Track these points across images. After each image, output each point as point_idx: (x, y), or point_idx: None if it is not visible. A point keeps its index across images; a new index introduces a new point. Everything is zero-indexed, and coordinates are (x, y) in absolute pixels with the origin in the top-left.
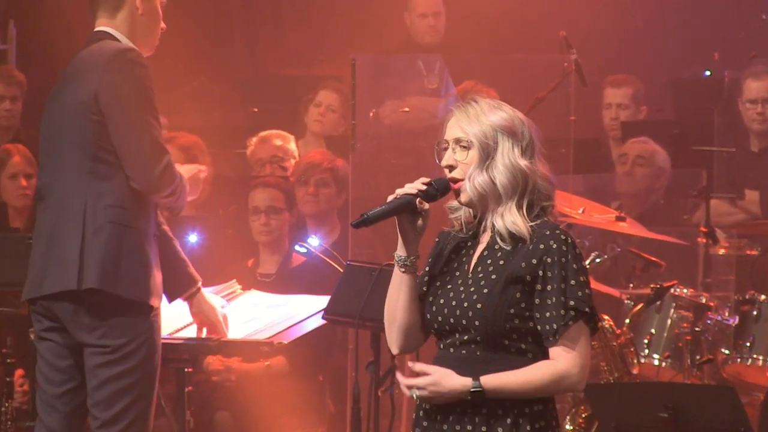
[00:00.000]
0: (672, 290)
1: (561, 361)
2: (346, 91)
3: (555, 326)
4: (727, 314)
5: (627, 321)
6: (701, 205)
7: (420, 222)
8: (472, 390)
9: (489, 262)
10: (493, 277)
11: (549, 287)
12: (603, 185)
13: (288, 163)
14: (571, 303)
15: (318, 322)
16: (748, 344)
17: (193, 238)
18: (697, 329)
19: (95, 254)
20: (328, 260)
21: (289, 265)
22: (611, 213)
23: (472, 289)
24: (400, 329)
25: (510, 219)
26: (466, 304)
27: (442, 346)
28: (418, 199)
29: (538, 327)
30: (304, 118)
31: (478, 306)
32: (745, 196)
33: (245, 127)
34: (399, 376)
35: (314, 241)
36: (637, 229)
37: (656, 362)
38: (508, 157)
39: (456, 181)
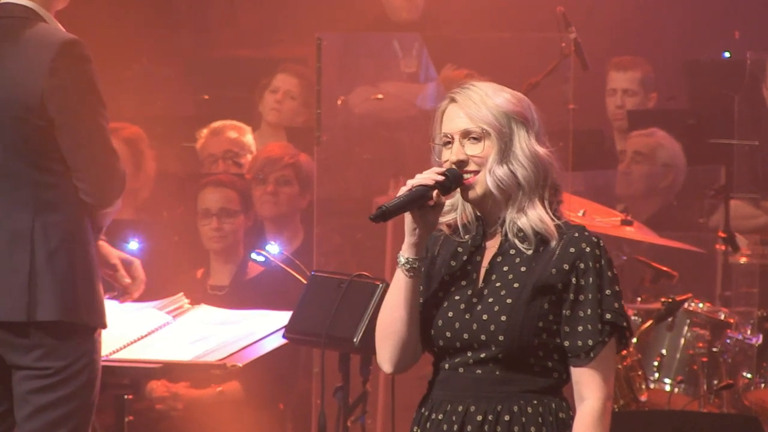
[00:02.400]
0: (686, 305)
1: (592, 398)
2: (309, 75)
3: (590, 342)
4: (749, 332)
5: (634, 340)
6: (720, 207)
7: (431, 217)
8: None
9: (506, 269)
10: (516, 285)
11: (582, 297)
12: (606, 184)
13: (244, 159)
14: (608, 316)
15: (278, 341)
16: None
17: (133, 245)
18: (714, 350)
19: (53, 283)
20: (289, 270)
21: (245, 276)
22: (616, 216)
23: (490, 300)
24: (398, 345)
25: (535, 216)
26: (485, 317)
27: (447, 366)
28: (435, 192)
29: (566, 342)
30: (258, 107)
31: (502, 319)
32: None
33: (194, 117)
34: None
35: (274, 249)
36: (645, 234)
37: (668, 388)
38: (525, 145)
39: (469, 175)
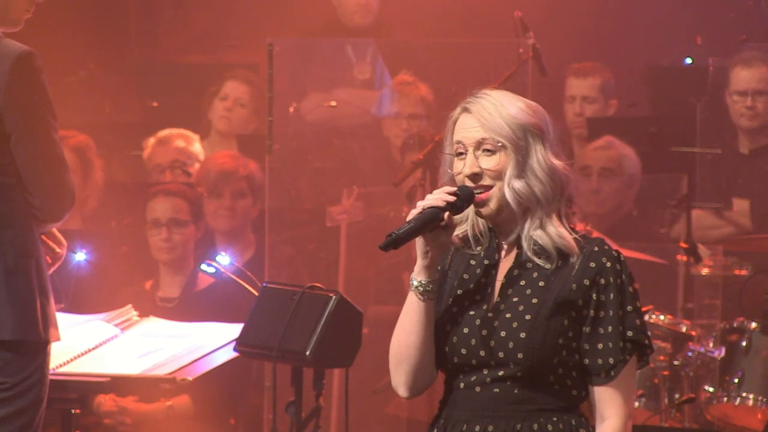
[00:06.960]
0: (647, 317)
1: (614, 417)
2: (259, 82)
3: (611, 361)
4: (711, 345)
5: None
6: (681, 217)
7: (444, 239)
8: None
9: (523, 283)
10: (534, 301)
11: (602, 314)
12: None
13: (192, 168)
14: (629, 334)
15: (229, 354)
16: (736, 381)
17: (80, 256)
18: (676, 363)
19: (11, 302)
20: (240, 282)
21: (195, 288)
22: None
23: (507, 315)
24: (413, 369)
25: (554, 231)
26: (503, 334)
27: (463, 385)
28: (446, 213)
29: (586, 360)
30: (207, 114)
31: (521, 336)
32: (733, 206)
33: (141, 125)
34: None
35: (224, 260)
36: None
37: None
38: (543, 159)
39: (482, 190)
